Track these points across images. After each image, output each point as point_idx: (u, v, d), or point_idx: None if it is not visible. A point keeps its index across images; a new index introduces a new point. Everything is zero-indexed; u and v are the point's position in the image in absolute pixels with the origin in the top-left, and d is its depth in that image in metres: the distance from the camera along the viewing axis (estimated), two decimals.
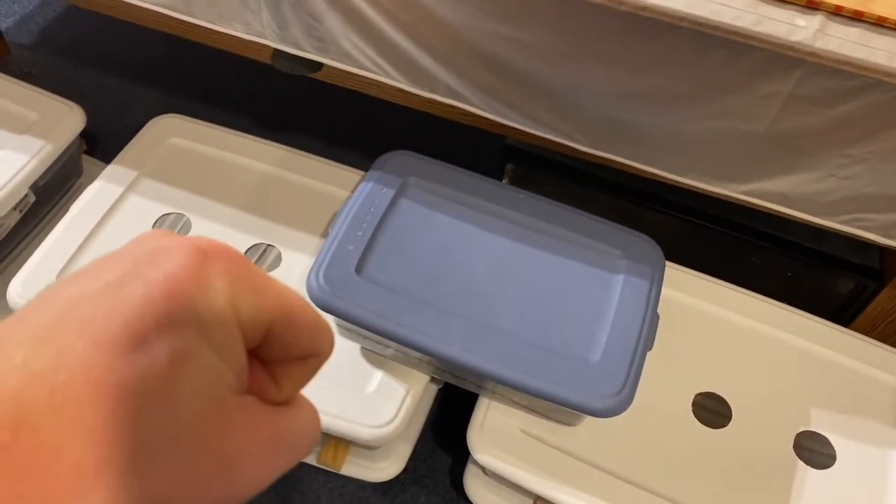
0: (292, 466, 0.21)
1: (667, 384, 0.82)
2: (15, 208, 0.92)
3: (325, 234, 0.88)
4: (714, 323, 0.86)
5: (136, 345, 0.16)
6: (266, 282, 0.20)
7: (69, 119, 0.97)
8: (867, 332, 0.90)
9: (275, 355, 0.21)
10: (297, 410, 0.22)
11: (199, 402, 0.17)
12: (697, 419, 0.80)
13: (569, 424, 0.78)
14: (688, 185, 0.83)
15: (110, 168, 0.93)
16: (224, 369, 0.18)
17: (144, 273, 0.18)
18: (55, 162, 0.95)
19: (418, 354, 0.75)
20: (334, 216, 0.79)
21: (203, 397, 0.18)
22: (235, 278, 0.19)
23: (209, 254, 0.19)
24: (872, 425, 0.81)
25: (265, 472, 0.20)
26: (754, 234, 0.97)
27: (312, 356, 0.22)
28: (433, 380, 0.84)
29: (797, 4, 0.64)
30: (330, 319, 0.77)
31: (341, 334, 0.80)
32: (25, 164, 0.91)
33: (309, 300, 0.72)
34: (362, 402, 0.78)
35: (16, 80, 1.00)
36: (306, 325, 0.21)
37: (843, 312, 0.98)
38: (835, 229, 0.81)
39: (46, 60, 1.36)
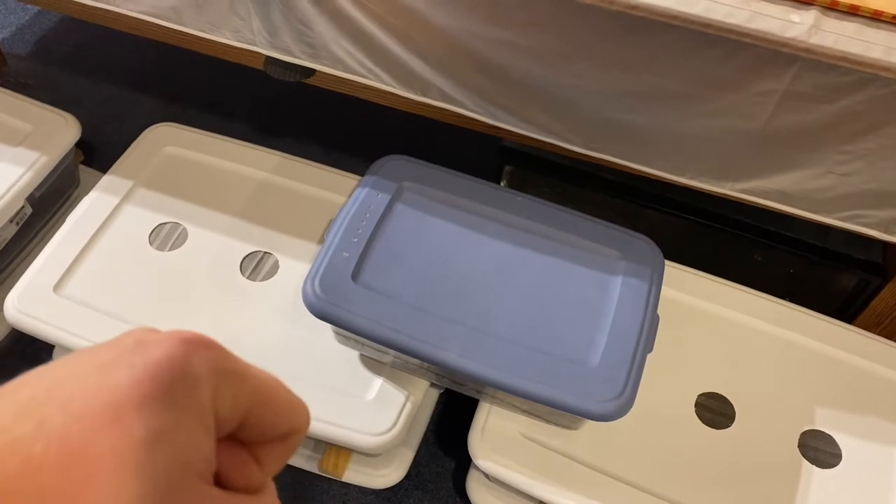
0: None
1: (669, 385, 0.81)
2: (11, 220, 0.92)
3: (321, 241, 0.87)
4: (716, 322, 0.86)
5: (114, 421, 0.17)
6: (244, 369, 0.21)
7: (64, 130, 0.97)
8: (871, 328, 0.89)
9: (255, 437, 0.22)
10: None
11: (167, 482, 0.18)
12: (700, 420, 0.79)
13: (570, 428, 0.78)
14: (685, 184, 0.82)
15: (105, 179, 0.92)
16: (195, 455, 0.19)
17: (130, 359, 0.19)
18: (51, 173, 0.95)
19: (417, 361, 0.75)
20: (330, 222, 0.79)
21: (171, 479, 0.18)
22: (216, 368, 0.20)
23: (192, 344, 0.20)
24: (878, 423, 0.80)
25: None
26: (755, 232, 0.96)
27: (291, 434, 0.23)
28: (433, 385, 0.83)
29: (791, 0, 0.63)
30: (328, 327, 0.76)
31: (339, 342, 0.80)
32: (21, 176, 0.91)
33: (306, 308, 0.73)
34: (362, 409, 0.78)
35: (10, 92, 1.00)
36: (283, 407, 0.22)
37: (846, 309, 0.97)
38: (835, 226, 0.80)
39: (43, 71, 1.36)
